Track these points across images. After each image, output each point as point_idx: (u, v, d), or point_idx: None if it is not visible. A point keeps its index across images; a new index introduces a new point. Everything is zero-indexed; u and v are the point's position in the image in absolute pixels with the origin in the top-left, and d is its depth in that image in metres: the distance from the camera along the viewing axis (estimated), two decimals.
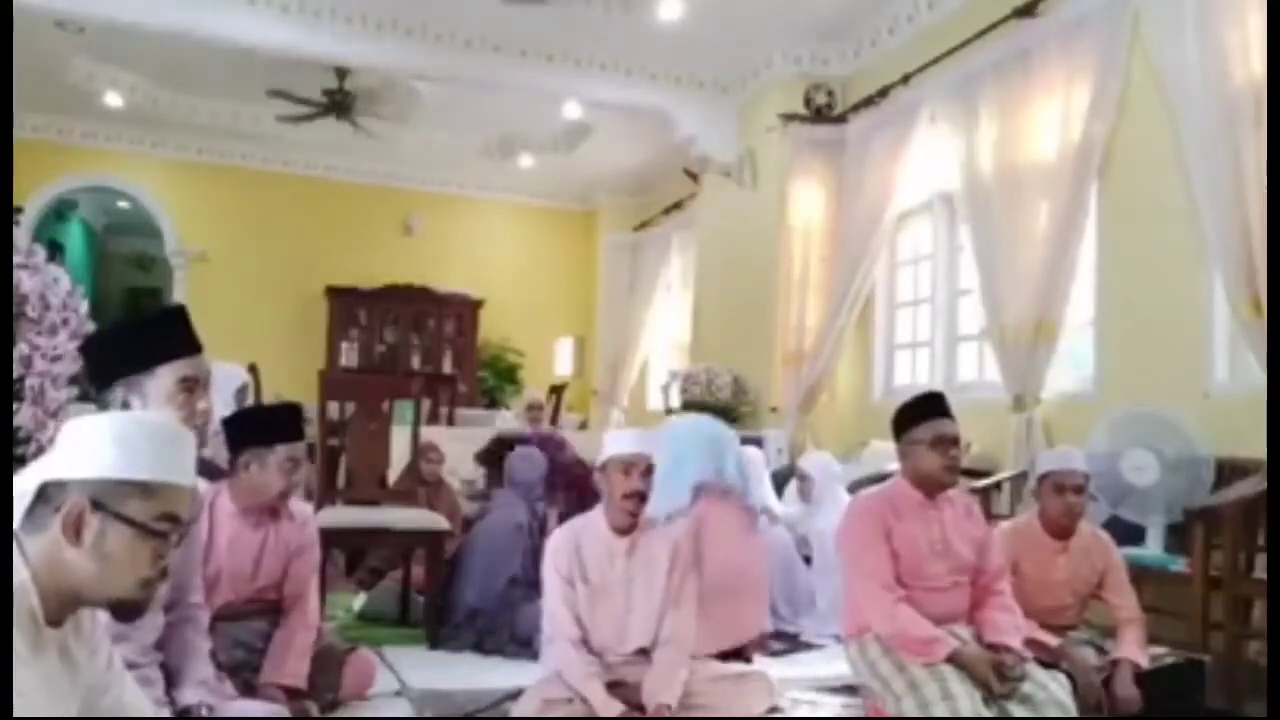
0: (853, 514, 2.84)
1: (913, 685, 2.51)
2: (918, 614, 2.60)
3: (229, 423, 2.82)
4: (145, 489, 1.34)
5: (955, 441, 2.75)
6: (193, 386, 1.99)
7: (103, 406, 1.93)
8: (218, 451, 3.31)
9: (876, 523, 2.71)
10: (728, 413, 6.72)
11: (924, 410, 2.77)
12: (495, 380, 10.43)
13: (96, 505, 1.31)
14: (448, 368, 10.25)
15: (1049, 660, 2.74)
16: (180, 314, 2.06)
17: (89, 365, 2.07)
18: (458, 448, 6.00)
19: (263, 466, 2.68)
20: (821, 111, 6.71)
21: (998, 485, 4.62)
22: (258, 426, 2.74)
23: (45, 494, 1.33)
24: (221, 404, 3.88)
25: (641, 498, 2.79)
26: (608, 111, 7.80)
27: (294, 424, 2.79)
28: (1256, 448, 3.31)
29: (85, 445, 1.34)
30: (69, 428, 1.38)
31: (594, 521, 2.87)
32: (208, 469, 2.71)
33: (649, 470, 2.81)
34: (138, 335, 2.01)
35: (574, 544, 2.82)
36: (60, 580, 1.31)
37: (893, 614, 2.62)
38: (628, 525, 2.81)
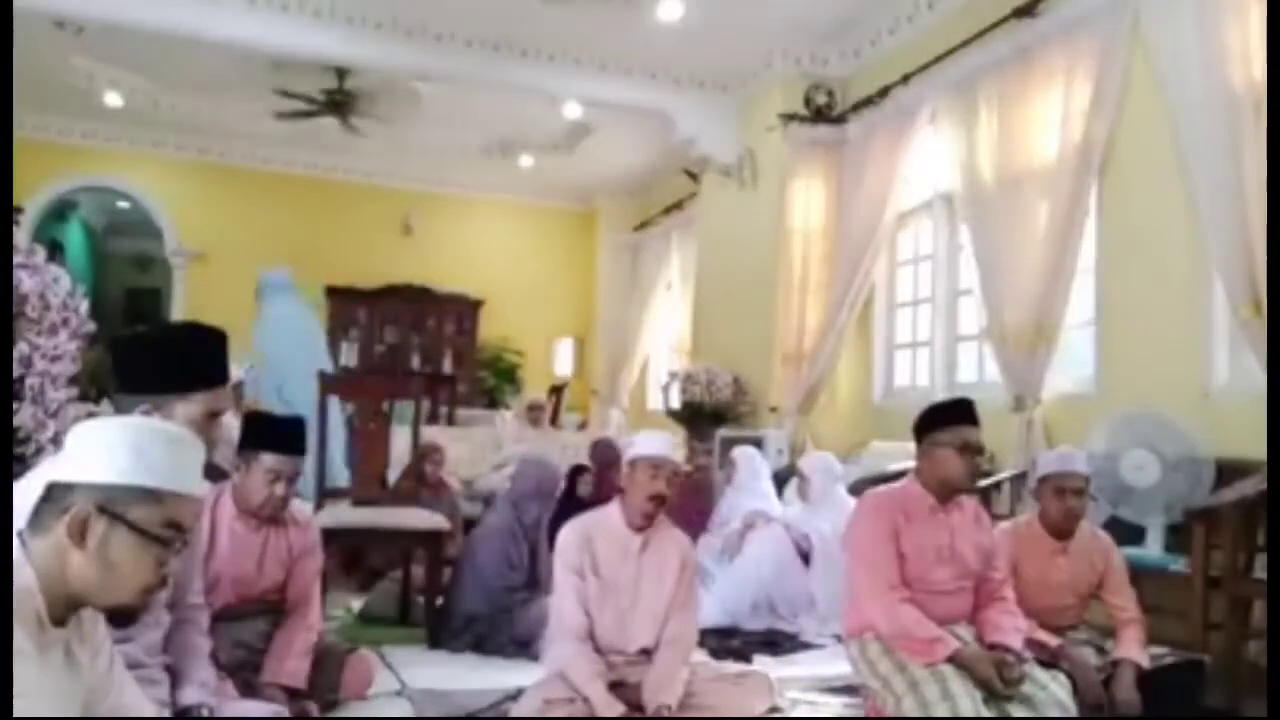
0: (863, 511, 2.84)
1: (913, 685, 2.51)
2: (921, 614, 2.60)
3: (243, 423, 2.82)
4: (153, 496, 1.34)
5: (980, 449, 2.75)
6: (218, 415, 1.98)
7: (119, 409, 1.88)
8: (224, 454, 3.30)
9: (886, 522, 2.71)
10: (727, 413, 6.74)
11: (952, 415, 2.76)
12: (495, 380, 10.43)
13: (102, 510, 1.31)
14: (448, 368, 10.25)
15: (1049, 660, 2.74)
16: (223, 340, 2.03)
17: (117, 366, 1.96)
18: (458, 448, 6.01)
19: (249, 473, 2.67)
20: (821, 111, 6.71)
21: (997, 485, 4.62)
22: (252, 432, 2.72)
23: (52, 495, 1.33)
24: None
25: (663, 501, 2.81)
26: (608, 111, 7.80)
27: (282, 436, 2.72)
28: (1256, 448, 3.31)
29: (96, 449, 1.34)
30: (79, 430, 1.38)
31: (609, 516, 2.88)
32: (212, 471, 2.70)
33: (674, 476, 2.85)
34: (180, 356, 1.95)
35: (586, 538, 2.82)
36: (63, 582, 1.31)
37: (896, 612, 2.61)
38: (644, 523, 2.82)
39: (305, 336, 5.49)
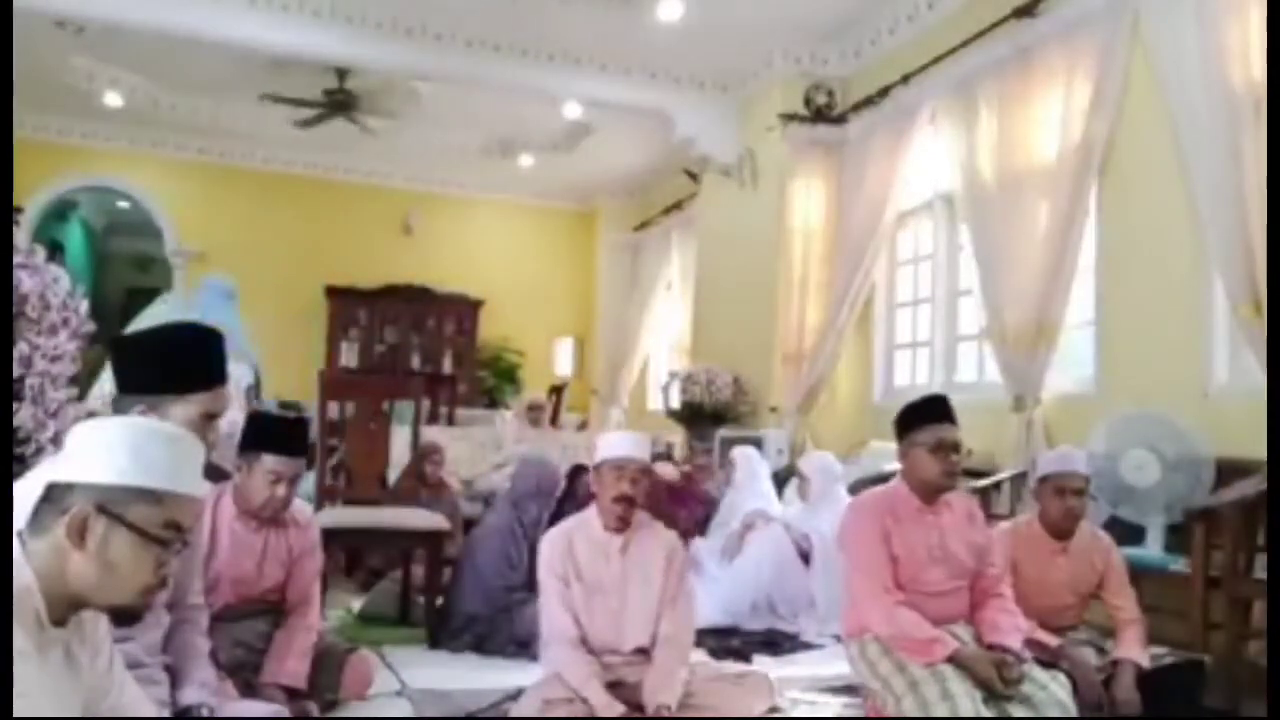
0: (853, 513, 2.84)
1: (913, 685, 2.51)
2: (919, 616, 2.60)
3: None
4: (152, 497, 1.34)
5: (956, 447, 2.73)
6: (215, 417, 1.97)
7: (118, 409, 1.88)
8: (225, 454, 3.30)
9: (876, 524, 2.71)
10: (727, 413, 6.74)
11: (926, 414, 2.75)
12: (495, 380, 10.44)
13: (102, 510, 1.31)
14: (448, 368, 10.25)
15: (1049, 660, 2.74)
16: (220, 342, 2.02)
17: (116, 366, 1.96)
18: (458, 448, 6.01)
19: (250, 474, 2.67)
20: (821, 111, 6.71)
21: (997, 485, 4.62)
22: (253, 433, 2.72)
23: (51, 495, 1.33)
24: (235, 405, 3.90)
25: (630, 501, 2.79)
26: (608, 111, 7.80)
27: (284, 438, 2.71)
28: (1256, 448, 3.31)
29: (95, 449, 1.33)
30: (79, 430, 1.38)
31: (587, 521, 2.88)
32: (212, 471, 2.70)
33: (641, 474, 2.82)
34: (177, 357, 1.94)
35: (567, 543, 2.83)
36: (62, 582, 1.31)
37: (893, 615, 2.61)
38: (618, 525, 2.82)
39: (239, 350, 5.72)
